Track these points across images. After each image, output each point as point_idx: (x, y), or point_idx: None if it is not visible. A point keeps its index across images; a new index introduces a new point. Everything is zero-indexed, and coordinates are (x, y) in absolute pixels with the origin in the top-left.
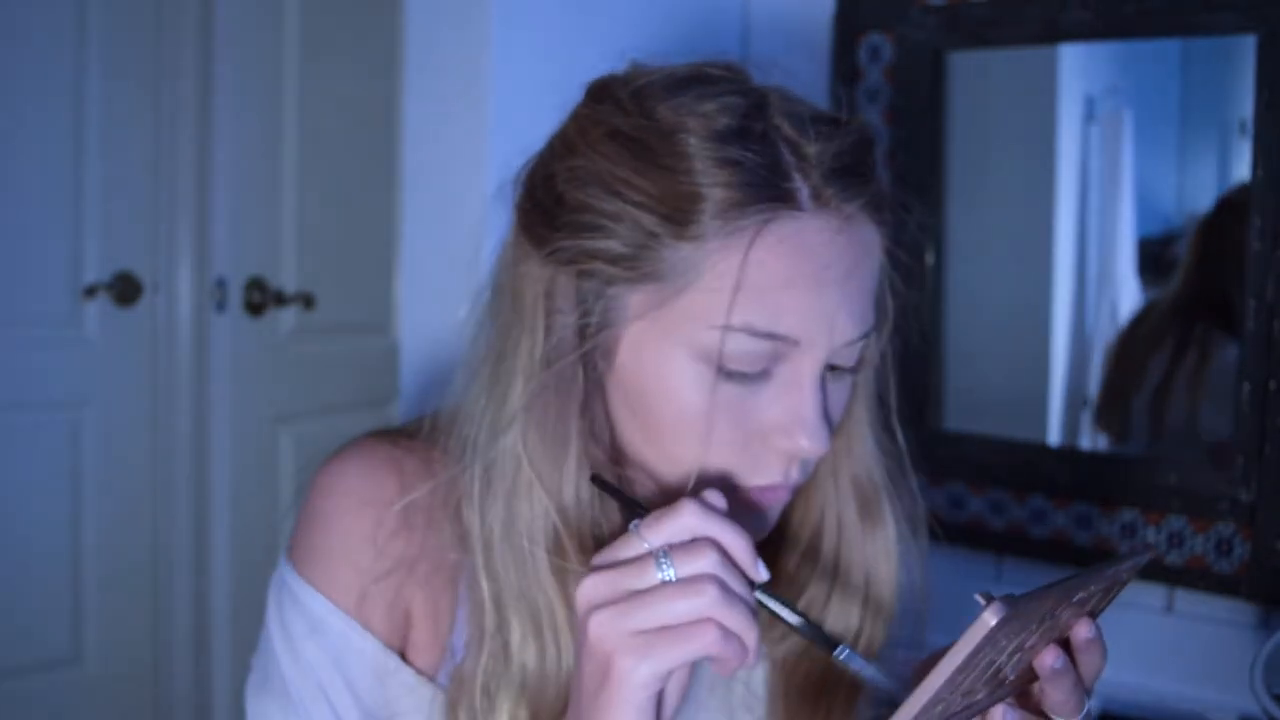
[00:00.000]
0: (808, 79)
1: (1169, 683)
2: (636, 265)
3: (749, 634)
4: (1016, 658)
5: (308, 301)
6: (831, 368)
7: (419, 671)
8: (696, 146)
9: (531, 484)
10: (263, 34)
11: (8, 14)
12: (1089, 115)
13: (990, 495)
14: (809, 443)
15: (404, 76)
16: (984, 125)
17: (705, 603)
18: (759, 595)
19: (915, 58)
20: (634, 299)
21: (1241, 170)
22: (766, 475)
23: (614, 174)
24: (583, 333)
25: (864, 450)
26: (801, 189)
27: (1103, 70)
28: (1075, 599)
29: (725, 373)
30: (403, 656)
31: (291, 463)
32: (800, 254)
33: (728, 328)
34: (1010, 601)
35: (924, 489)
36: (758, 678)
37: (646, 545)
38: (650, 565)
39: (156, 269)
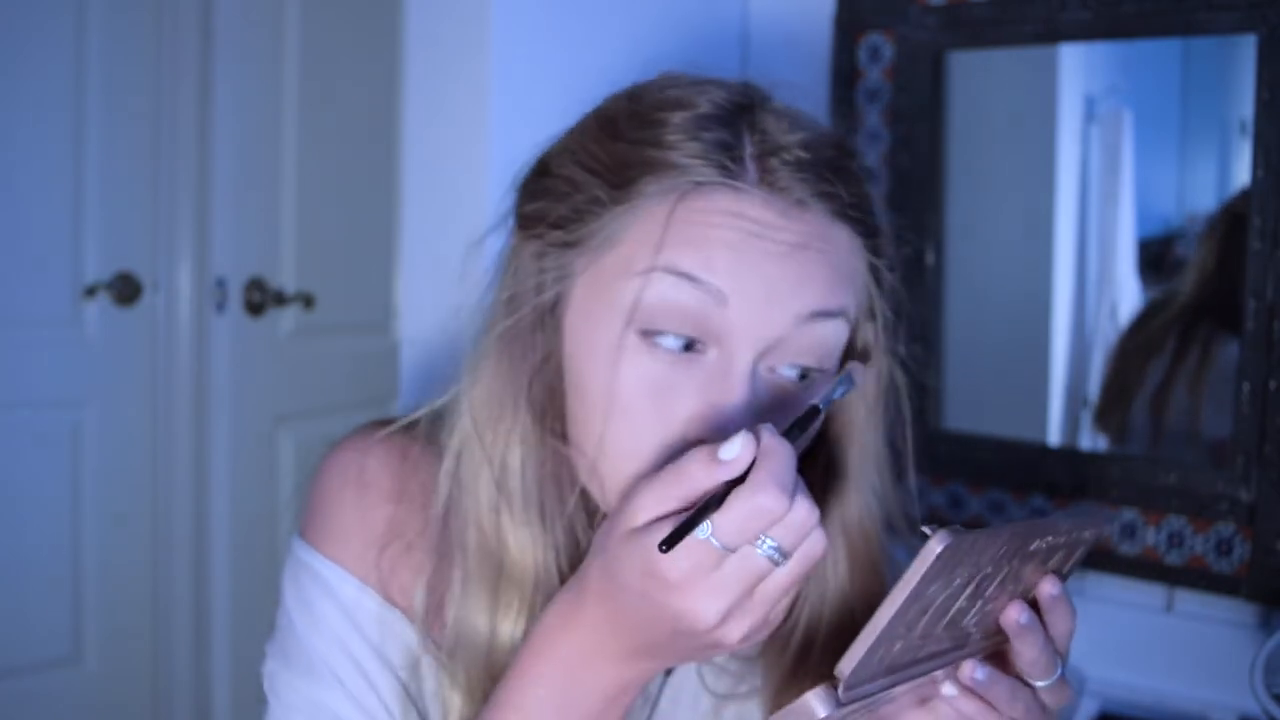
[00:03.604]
0: (808, 79)
1: (1169, 683)
2: (577, 228)
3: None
4: (978, 607)
5: (308, 301)
6: (805, 375)
7: (428, 636)
8: (671, 123)
9: (475, 452)
10: (263, 34)
11: (8, 15)
12: (1089, 115)
13: (990, 495)
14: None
15: (404, 76)
16: (984, 125)
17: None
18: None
19: (915, 58)
20: (578, 264)
21: (1241, 170)
22: None
23: (582, 145)
24: (537, 301)
25: (859, 499)
26: (750, 168)
27: (1103, 70)
28: (1031, 547)
29: (643, 333)
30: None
31: (291, 463)
32: (734, 219)
33: (649, 270)
34: (956, 531)
35: (924, 489)
36: (751, 709)
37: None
38: (755, 557)
39: (156, 269)
